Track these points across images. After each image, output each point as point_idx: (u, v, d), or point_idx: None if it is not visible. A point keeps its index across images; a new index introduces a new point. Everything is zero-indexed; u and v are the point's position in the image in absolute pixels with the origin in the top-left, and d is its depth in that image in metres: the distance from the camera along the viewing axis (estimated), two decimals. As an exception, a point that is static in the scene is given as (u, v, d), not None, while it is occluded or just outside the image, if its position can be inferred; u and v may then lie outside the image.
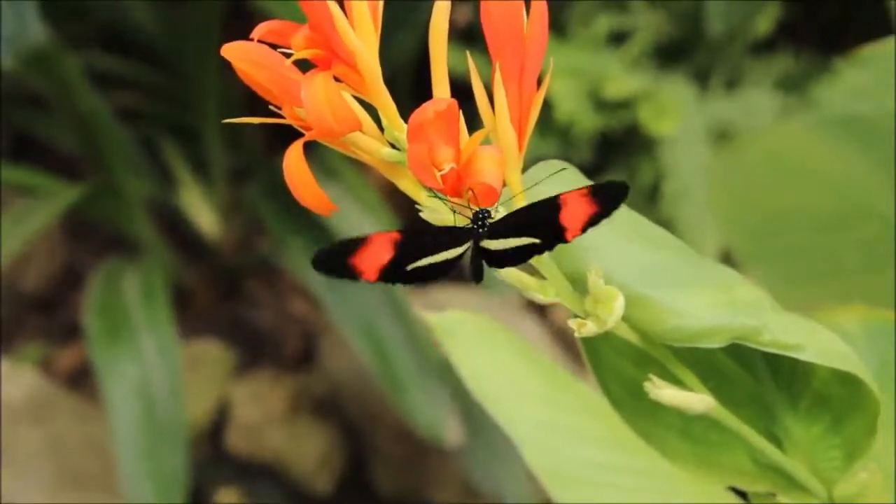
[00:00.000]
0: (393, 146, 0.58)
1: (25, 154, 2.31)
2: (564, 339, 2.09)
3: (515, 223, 0.58)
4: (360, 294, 1.89)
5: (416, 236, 0.58)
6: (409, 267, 0.58)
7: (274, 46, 0.57)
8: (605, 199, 0.56)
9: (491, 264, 0.59)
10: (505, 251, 0.58)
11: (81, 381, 2.17)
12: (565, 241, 0.57)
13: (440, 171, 0.54)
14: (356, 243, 0.58)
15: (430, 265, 0.59)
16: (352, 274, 0.58)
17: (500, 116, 0.58)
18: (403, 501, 2.08)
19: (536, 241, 0.57)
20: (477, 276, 0.59)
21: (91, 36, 2.37)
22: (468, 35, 2.14)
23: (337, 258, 0.58)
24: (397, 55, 2.10)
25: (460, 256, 0.59)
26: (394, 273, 0.58)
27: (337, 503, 2.11)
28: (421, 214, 0.59)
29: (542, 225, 0.57)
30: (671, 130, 2.12)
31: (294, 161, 0.56)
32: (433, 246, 0.58)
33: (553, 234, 0.57)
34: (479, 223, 0.58)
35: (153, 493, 1.74)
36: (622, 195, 0.57)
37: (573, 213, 0.57)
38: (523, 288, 0.60)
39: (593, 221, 0.57)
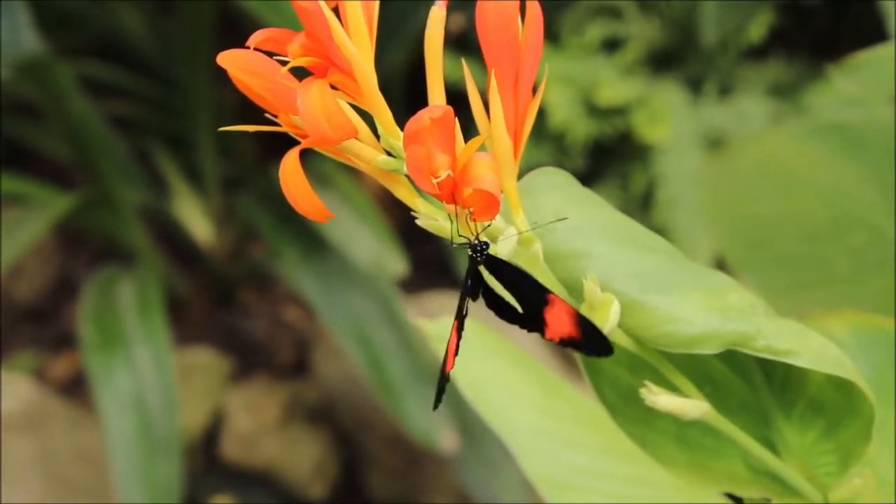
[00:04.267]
0: (389, 154, 0.58)
1: (18, 163, 2.31)
2: (558, 347, 2.09)
3: (508, 274, 0.59)
4: (354, 301, 1.89)
5: (460, 309, 0.61)
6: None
7: (269, 54, 0.57)
8: (587, 341, 0.59)
9: (486, 302, 0.61)
10: (498, 299, 0.60)
11: (75, 390, 2.16)
12: (542, 335, 0.60)
13: (436, 178, 0.54)
14: (444, 362, 0.62)
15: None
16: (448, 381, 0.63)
17: (495, 124, 0.58)
18: (397, 509, 2.08)
19: (519, 308, 0.60)
20: (474, 294, 0.60)
21: (84, 45, 2.37)
22: (461, 43, 2.14)
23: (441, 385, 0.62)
24: (388, 65, 2.10)
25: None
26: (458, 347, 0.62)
27: (331, 511, 2.11)
28: (417, 222, 0.59)
29: (528, 302, 0.60)
30: (664, 137, 2.13)
31: (290, 169, 0.56)
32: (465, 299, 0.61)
33: (536, 321, 0.59)
34: (478, 254, 0.59)
35: (146, 503, 1.74)
36: (602, 351, 0.59)
37: (556, 321, 0.59)
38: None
39: (571, 345, 0.60)
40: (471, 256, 0.59)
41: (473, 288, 0.60)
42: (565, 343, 0.59)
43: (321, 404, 2.15)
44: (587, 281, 0.60)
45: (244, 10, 1.86)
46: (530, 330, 0.60)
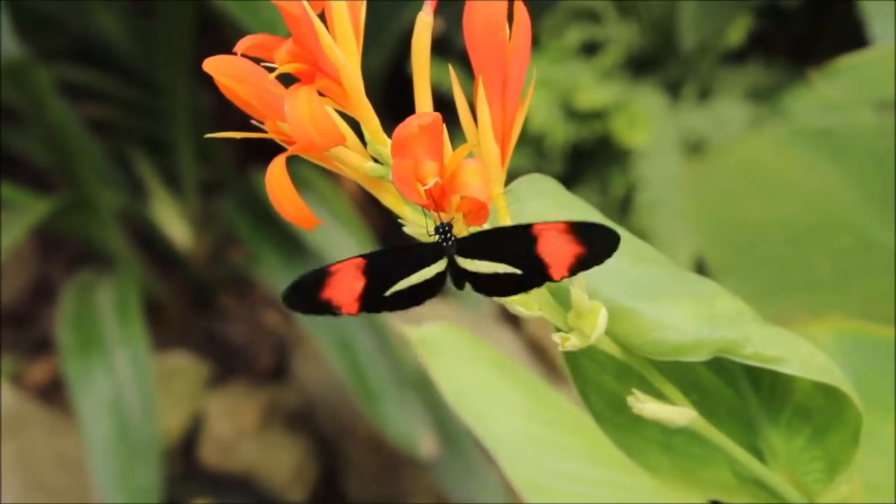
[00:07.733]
0: (375, 160, 0.58)
1: (-4, 167, 2.30)
2: (539, 352, 2.09)
3: (485, 245, 0.57)
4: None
5: (382, 258, 0.58)
6: (389, 292, 0.58)
7: (256, 60, 0.56)
8: (593, 243, 0.55)
9: (477, 289, 0.58)
10: (489, 278, 0.57)
11: (53, 394, 2.15)
12: (552, 280, 0.56)
13: (424, 185, 0.53)
14: (321, 275, 0.57)
15: (413, 286, 0.58)
16: (328, 309, 0.57)
17: (483, 131, 0.57)
18: (377, 514, 2.08)
19: (516, 270, 0.57)
20: (458, 285, 0.58)
21: (62, 49, 2.36)
22: (442, 47, 2.14)
23: (306, 294, 0.57)
24: (367, 69, 2.09)
25: (444, 273, 0.58)
26: (374, 300, 0.57)
27: (310, 516, 2.10)
28: (404, 229, 0.59)
29: (516, 254, 0.56)
30: (643, 141, 2.13)
31: (277, 176, 0.56)
32: (406, 265, 0.58)
33: (535, 269, 0.56)
34: (443, 237, 0.57)
35: (125, 507, 1.73)
36: (613, 243, 0.55)
37: (555, 250, 0.56)
38: (506, 301, 0.60)
39: (582, 264, 0.56)
40: (439, 241, 0.57)
41: (455, 278, 0.58)
42: (577, 266, 0.56)
43: (300, 409, 2.14)
44: (574, 288, 0.59)
45: (223, 14, 1.86)
46: (539, 283, 0.57)
